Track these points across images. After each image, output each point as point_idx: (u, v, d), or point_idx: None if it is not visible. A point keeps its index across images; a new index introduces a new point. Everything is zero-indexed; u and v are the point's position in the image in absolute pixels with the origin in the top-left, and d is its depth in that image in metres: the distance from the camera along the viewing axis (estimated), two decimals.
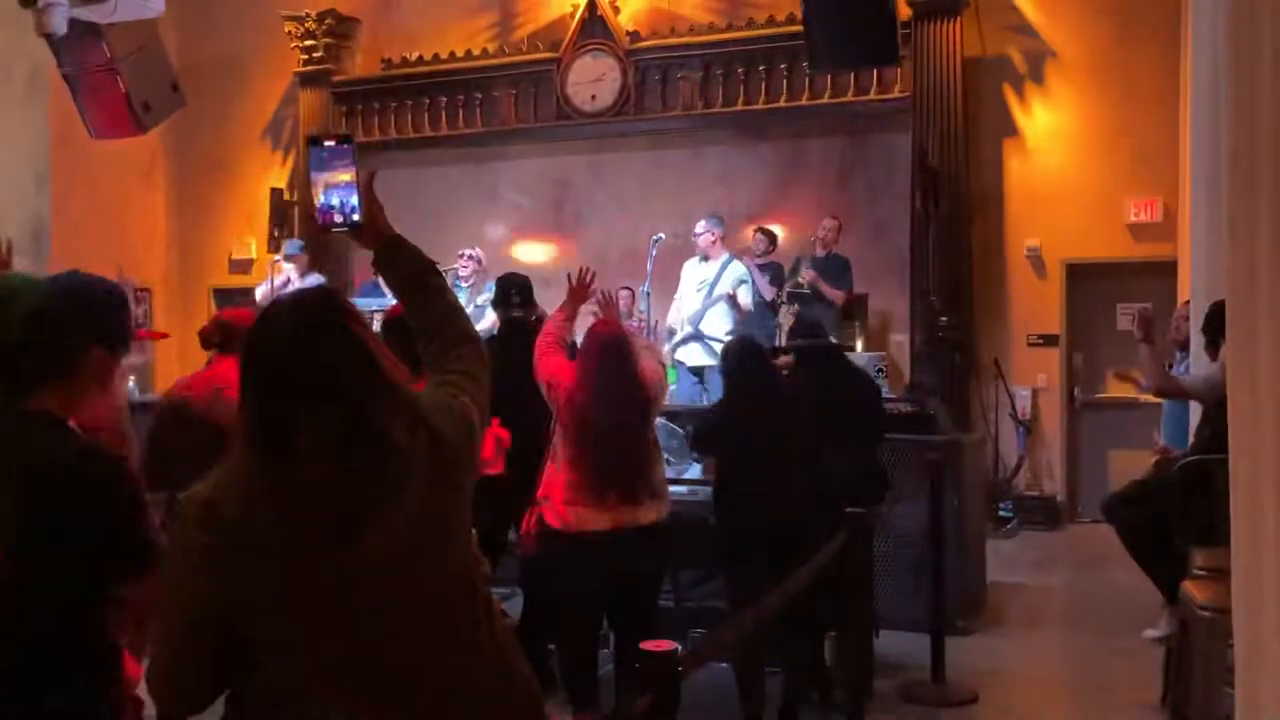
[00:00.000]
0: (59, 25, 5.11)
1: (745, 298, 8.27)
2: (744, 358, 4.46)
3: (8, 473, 1.93)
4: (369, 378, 1.72)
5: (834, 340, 6.47)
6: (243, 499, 1.68)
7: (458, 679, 1.80)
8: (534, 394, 4.26)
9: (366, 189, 2.00)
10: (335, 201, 1.98)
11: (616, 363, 4.11)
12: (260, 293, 9.46)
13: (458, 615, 1.82)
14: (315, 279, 9.20)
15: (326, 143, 2.01)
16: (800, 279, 8.58)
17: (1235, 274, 2.97)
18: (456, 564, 1.84)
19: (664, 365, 4.41)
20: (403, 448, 1.71)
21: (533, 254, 10.89)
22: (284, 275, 9.34)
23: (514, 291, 5.37)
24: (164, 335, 8.41)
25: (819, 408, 4.34)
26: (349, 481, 1.67)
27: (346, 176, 1.97)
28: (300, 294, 1.82)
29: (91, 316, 2.10)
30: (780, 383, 4.44)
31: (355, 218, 1.99)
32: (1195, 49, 7.70)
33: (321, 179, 1.98)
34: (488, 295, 7.12)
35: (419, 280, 2.03)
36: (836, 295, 8.73)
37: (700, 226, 8.48)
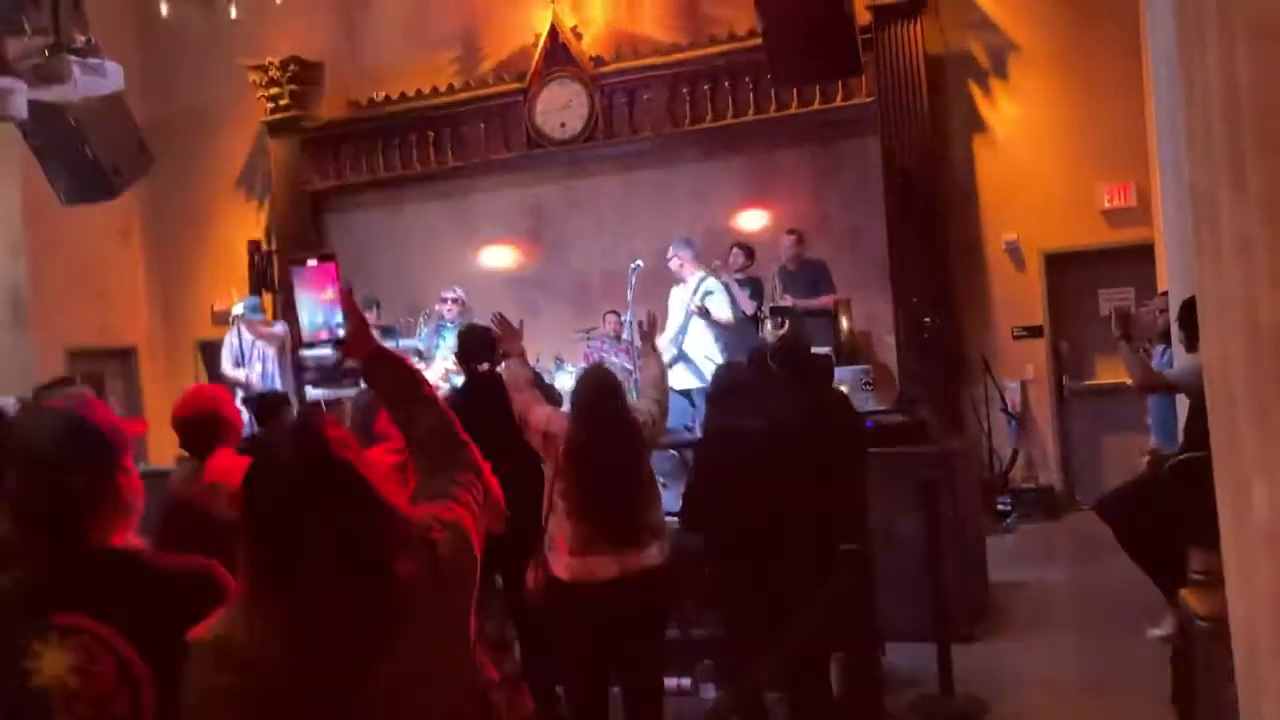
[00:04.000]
0: (19, 110, 5.12)
1: (719, 311, 8.28)
2: (726, 394, 4.47)
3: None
4: (368, 511, 1.75)
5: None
6: (253, 637, 1.71)
7: None
8: (509, 447, 4.28)
9: (347, 302, 2.03)
10: (320, 319, 2.02)
11: (608, 405, 4.16)
12: (226, 358, 9.40)
13: None
14: (278, 330, 9.22)
15: (309, 262, 2.04)
16: (793, 307, 8.60)
17: (1202, 265, 2.97)
18: (464, 676, 1.88)
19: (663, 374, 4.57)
20: (404, 574, 1.75)
21: (513, 284, 10.90)
22: (248, 337, 9.26)
23: (478, 345, 5.40)
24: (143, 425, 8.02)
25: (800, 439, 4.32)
26: (355, 613, 1.71)
27: (330, 295, 2.00)
28: (294, 432, 1.85)
29: (123, 444, 2.08)
30: (762, 418, 4.42)
31: (340, 333, 2.03)
32: (1153, 30, 7.74)
33: (306, 299, 2.01)
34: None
35: (406, 389, 2.08)
36: (821, 303, 8.76)
37: (669, 253, 8.67)
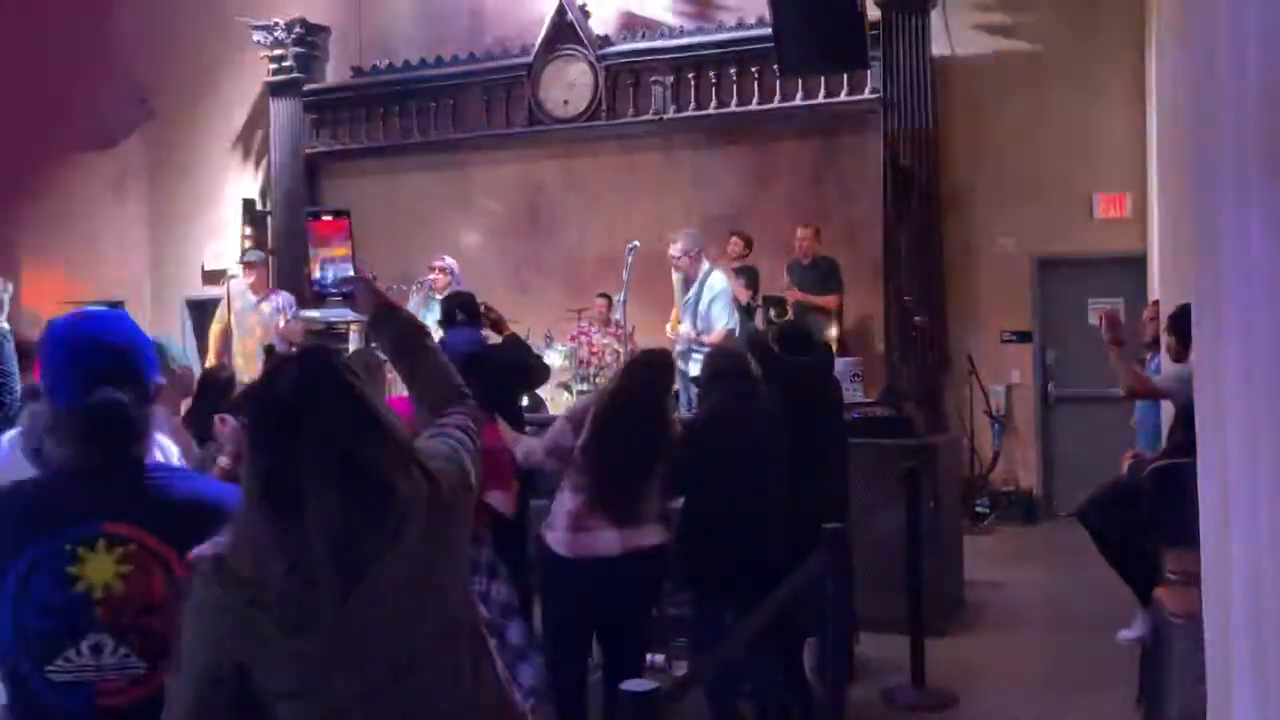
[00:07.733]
0: None
1: (722, 317, 7.80)
2: (720, 377, 4.44)
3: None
4: (368, 427, 1.81)
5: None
6: (253, 552, 1.74)
7: (462, 716, 1.88)
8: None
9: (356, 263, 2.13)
10: (331, 274, 2.10)
11: (646, 389, 4.16)
12: (218, 319, 8.88)
13: (458, 654, 1.90)
14: (280, 301, 8.66)
15: (324, 216, 2.12)
16: (786, 298, 8.53)
17: (1200, 272, 3.00)
18: (455, 604, 1.91)
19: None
20: (402, 492, 1.79)
21: (507, 260, 10.89)
22: (239, 296, 8.45)
23: (458, 310, 5.50)
24: None
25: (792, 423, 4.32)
26: (352, 526, 1.74)
27: (343, 250, 2.09)
28: (302, 352, 1.94)
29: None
30: (756, 402, 4.41)
31: (349, 287, 2.18)
32: (1158, 46, 7.79)
33: (319, 254, 2.10)
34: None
35: (410, 341, 2.17)
36: (827, 301, 8.78)
37: (677, 249, 7.56)
